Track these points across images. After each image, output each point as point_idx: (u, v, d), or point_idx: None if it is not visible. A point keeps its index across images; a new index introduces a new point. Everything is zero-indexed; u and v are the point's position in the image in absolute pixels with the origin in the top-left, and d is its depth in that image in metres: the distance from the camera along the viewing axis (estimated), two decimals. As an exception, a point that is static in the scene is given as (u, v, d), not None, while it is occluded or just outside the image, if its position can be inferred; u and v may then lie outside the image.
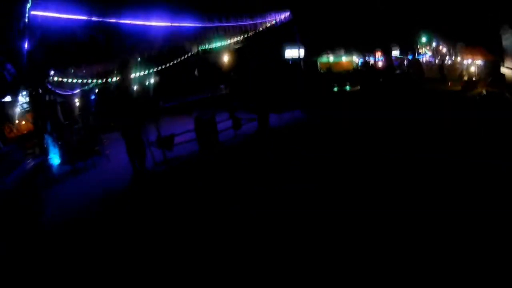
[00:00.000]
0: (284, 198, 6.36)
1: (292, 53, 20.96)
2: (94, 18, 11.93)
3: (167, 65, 21.55)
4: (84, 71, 17.04)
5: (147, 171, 8.94)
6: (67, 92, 19.00)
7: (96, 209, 7.52)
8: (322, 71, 24.42)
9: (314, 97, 17.83)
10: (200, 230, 5.80)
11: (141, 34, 17.01)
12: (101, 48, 16.01)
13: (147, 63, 20.76)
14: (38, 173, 11.07)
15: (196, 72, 25.19)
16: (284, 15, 17.43)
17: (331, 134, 10.90)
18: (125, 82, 8.73)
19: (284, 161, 8.55)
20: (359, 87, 20.95)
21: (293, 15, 17.35)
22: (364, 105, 15.92)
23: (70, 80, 17.99)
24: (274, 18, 17.33)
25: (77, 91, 19.85)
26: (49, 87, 16.57)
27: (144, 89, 11.19)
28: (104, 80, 20.41)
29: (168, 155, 10.22)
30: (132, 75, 20.73)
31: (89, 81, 19.36)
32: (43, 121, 13.44)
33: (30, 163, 11.29)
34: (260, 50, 20.78)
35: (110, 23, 12.68)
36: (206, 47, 21.93)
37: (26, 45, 11.90)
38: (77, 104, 18.86)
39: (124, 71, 8.78)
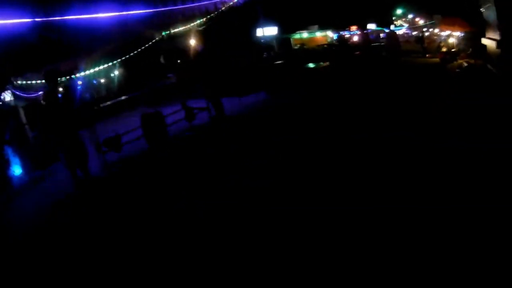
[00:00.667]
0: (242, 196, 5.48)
1: (264, 31, 19.78)
2: (39, 19, 11.28)
3: (128, 55, 20.21)
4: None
5: (90, 176, 8.17)
6: (31, 94, 17.76)
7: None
8: (296, 47, 23.36)
9: (283, 76, 16.80)
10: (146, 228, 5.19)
11: (96, 28, 15.87)
12: (56, 47, 15.04)
13: (108, 56, 19.45)
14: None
15: (162, 60, 23.75)
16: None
17: (294, 116, 9.98)
18: (52, 93, 7.88)
19: (238, 151, 7.69)
20: (328, 63, 19.86)
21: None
22: (335, 81, 14.94)
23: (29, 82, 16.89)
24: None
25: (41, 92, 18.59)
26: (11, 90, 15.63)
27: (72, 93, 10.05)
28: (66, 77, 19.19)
29: (117, 156, 9.37)
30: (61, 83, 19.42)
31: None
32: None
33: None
34: (222, 31, 19.44)
35: (60, 20, 12.00)
36: (169, 32, 20.67)
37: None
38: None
39: (50, 82, 7.95)
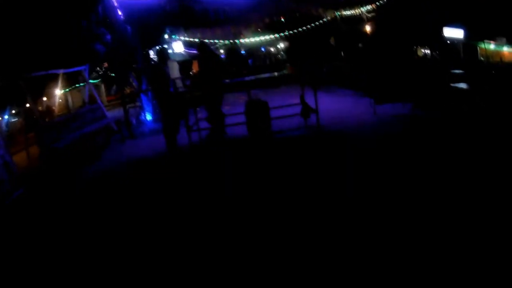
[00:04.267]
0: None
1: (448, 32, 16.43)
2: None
3: (293, 31, 19.94)
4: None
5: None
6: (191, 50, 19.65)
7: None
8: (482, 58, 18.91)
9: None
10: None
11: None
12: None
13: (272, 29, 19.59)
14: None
15: (332, 41, 22.66)
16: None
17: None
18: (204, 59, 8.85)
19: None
20: None
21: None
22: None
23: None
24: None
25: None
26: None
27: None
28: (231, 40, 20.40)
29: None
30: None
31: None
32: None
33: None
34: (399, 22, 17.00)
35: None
36: (341, 14, 19.41)
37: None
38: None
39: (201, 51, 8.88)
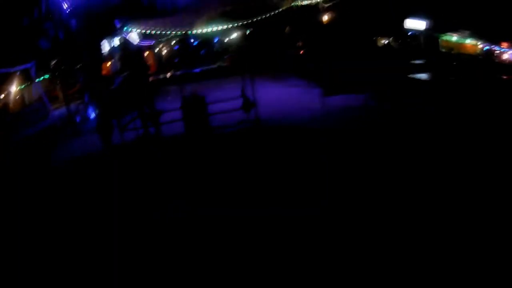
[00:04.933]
0: None
1: (409, 23, 16.23)
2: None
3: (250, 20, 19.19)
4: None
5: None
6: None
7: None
8: (443, 50, 19.27)
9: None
10: None
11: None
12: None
13: (228, 18, 18.71)
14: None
15: (287, 30, 22.20)
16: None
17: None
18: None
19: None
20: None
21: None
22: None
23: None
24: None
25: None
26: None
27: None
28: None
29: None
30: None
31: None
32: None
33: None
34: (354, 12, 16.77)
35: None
36: (298, 3, 18.95)
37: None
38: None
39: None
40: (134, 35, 17.81)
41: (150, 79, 12.52)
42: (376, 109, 8.44)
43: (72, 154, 8.73)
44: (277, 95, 10.93)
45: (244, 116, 8.47)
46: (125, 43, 8.41)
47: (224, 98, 8.78)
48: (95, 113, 12.24)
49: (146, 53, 21.41)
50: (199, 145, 7.56)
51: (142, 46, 18.65)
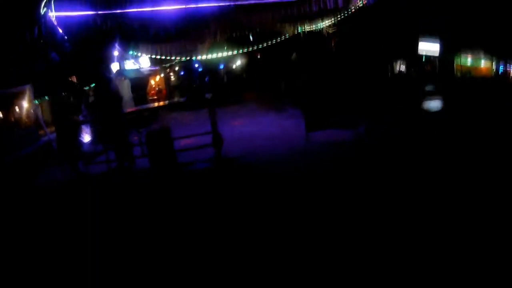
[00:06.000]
0: None
1: (421, 45, 15.04)
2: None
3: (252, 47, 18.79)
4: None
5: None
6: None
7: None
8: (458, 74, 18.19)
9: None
10: None
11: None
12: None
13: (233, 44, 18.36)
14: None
15: (293, 57, 21.75)
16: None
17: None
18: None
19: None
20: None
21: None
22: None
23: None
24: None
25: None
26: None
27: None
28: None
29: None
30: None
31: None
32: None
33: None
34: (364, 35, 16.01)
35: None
36: (305, 30, 18.49)
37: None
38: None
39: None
40: (143, 60, 17.81)
41: (155, 104, 12.25)
42: (368, 148, 7.38)
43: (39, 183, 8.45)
44: (265, 127, 10.45)
45: (213, 153, 7.99)
46: (101, 72, 8.05)
47: (197, 133, 8.51)
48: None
49: (157, 78, 21.25)
50: (162, 184, 7.07)
51: (143, 72, 18.34)
